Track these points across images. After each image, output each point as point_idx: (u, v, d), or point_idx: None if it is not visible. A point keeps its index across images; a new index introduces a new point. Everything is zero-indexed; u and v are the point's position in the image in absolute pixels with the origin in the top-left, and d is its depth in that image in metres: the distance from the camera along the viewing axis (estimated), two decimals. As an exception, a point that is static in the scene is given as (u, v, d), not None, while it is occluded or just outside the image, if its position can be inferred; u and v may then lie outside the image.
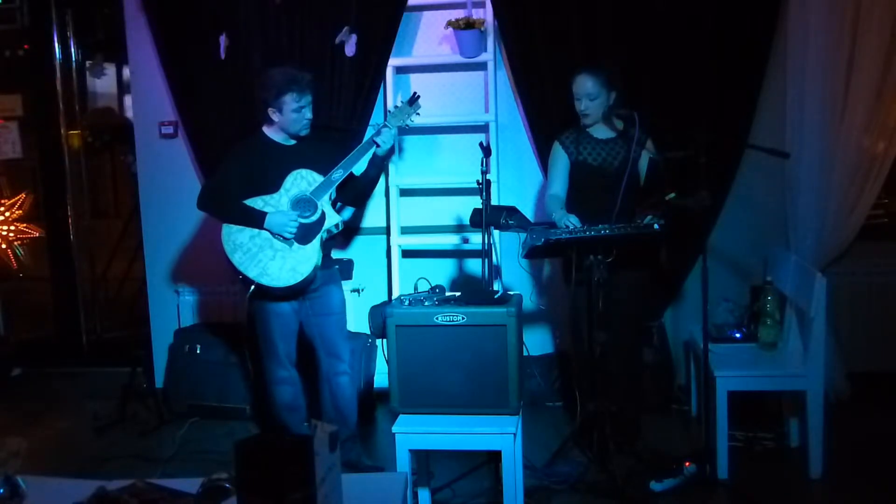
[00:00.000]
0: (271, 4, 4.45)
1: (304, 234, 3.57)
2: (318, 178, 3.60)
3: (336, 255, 4.56)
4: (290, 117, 3.57)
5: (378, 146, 3.63)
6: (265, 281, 3.53)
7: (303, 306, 3.70)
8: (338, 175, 3.60)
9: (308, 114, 3.60)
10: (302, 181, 3.59)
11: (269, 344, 3.71)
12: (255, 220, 3.54)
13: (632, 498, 3.37)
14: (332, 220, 3.61)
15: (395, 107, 3.79)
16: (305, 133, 3.65)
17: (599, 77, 3.68)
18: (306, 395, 3.86)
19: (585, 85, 3.69)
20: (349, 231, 4.79)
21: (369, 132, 3.78)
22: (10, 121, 5.89)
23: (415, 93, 3.77)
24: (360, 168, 3.72)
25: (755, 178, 4.40)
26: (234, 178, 3.60)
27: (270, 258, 3.55)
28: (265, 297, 3.61)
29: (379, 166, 3.73)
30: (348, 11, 4.40)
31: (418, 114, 3.77)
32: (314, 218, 3.58)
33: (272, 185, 3.58)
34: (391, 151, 3.82)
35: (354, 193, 3.81)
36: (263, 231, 3.55)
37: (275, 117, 3.59)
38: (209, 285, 4.90)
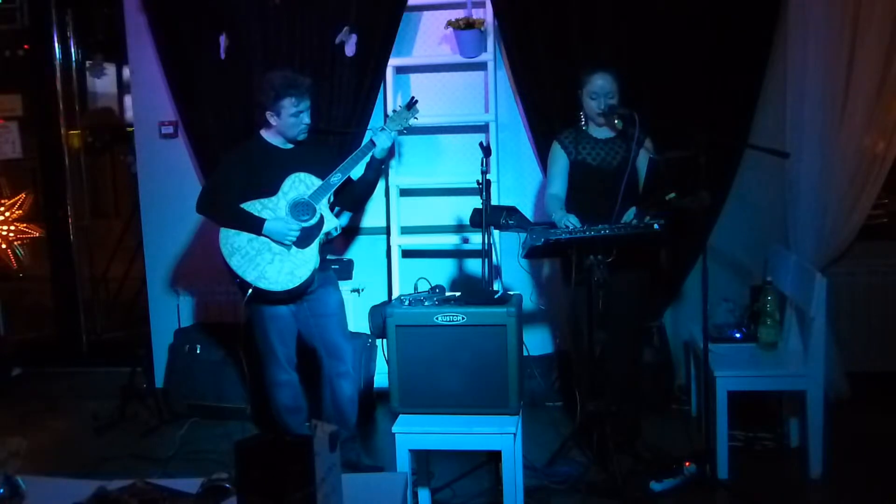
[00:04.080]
0: (271, 4, 4.45)
1: (303, 238, 3.56)
2: (316, 182, 3.58)
3: (336, 255, 4.57)
4: (287, 122, 3.56)
5: (375, 147, 3.63)
6: (263, 284, 3.52)
7: (301, 309, 3.69)
8: (336, 179, 3.59)
9: (306, 119, 3.59)
10: (300, 185, 3.59)
11: (268, 347, 3.70)
12: (254, 226, 3.53)
13: (632, 498, 3.38)
14: (331, 223, 3.60)
15: (394, 111, 3.79)
16: (303, 138, 3.64)
17: (615, 76, 3.69)
18: (307, 396, 3.86)
19: (605, 84, 3.68)
20: (349, 231, 4.79)
21: (368, 136, 3.77)
22: (10, 121, 5.89)
23: (413, 97, 3.76)
24: (357, 172, 3.72)
25: (755, 178, 4.41)
26: (232, 181, 3.59)
27: (269, 262, 3.54)
28: (263, 301, 3.60)
29: (377, 170, 3.71)
30: (348, 11, 4.40)
31: (416, 118, 3.76)
32: (312, 222, 3.57)
33: (270, 189, 3.57)
34: (389, 156, 3.81)
35: (352, 198, 3.81)
36: None
37: (273, 121, 3.58)
38: (209, 285, 4.89)
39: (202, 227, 4.76)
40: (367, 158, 3.66)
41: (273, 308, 3.63)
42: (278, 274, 3.54)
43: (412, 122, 3.75)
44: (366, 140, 3.73)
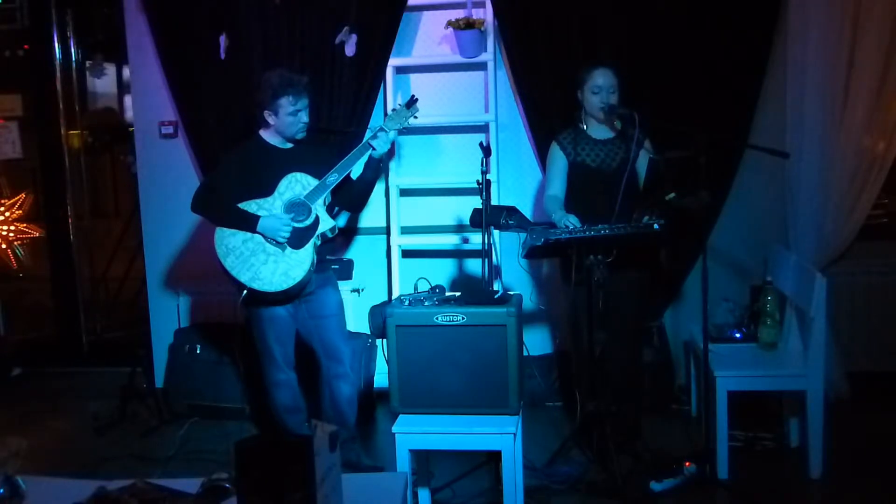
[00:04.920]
0: (271, 4, 4.45)
1: (298, 239, 3.54)
2: (312, 182, 3.57)
3: (336, 255, 4.57)
4: (285, 120, 3.55)
5: (374, 149, 3.60)
6: (256, 285, 3.51)
7: (299, 310, 3.68)
8: (333, 179, 3.56)
9: (304, 117, 3.58)
10: (296, 185, 3.57)
11: (265, 348, 3.69)
12: (249, 223, 3.52)
13: (632, 498, 3.37)
14: (326, 224, 3.57)
15: (393, 110, 3.77)
16: (302, 136, 3.63)
17: (615, 71, 3.70)
18: (306, 396, 3.85)
19: (607, 78, 3.68)
20: (349, 231, 4.79)
21: (367, 135, 3.77)
22: (10, 121, 5.89)
23: (413, 96, 3.75)
24: (356, 172, 3.70)
25: (755, 178, 4.41)
26: (229, 181, 3.58)
27: (263, 262, 3.53)
28: (260, 303, 3.59)
29: (375, 170, 3.68)
30: (348, 11, 4.40)
31: (416, 117, 3.74)
32: (308, 222, 3.55)
33: (266, 189, 3.56)
34: (388, 155, 3.79)
35: (350, 197, 3.78)
36: (256, 235, 3.53)
37: (271, 120, 3.57)
38: (209, 285, 4.86)
39: (202, 227, 4.75)
40: (366, 157, 3.64)
41: (270, 309, 3.62)
42: (272, 275, 3.52)
43: (412, 120, 3.72)
44: (365, 139, 3.72)
